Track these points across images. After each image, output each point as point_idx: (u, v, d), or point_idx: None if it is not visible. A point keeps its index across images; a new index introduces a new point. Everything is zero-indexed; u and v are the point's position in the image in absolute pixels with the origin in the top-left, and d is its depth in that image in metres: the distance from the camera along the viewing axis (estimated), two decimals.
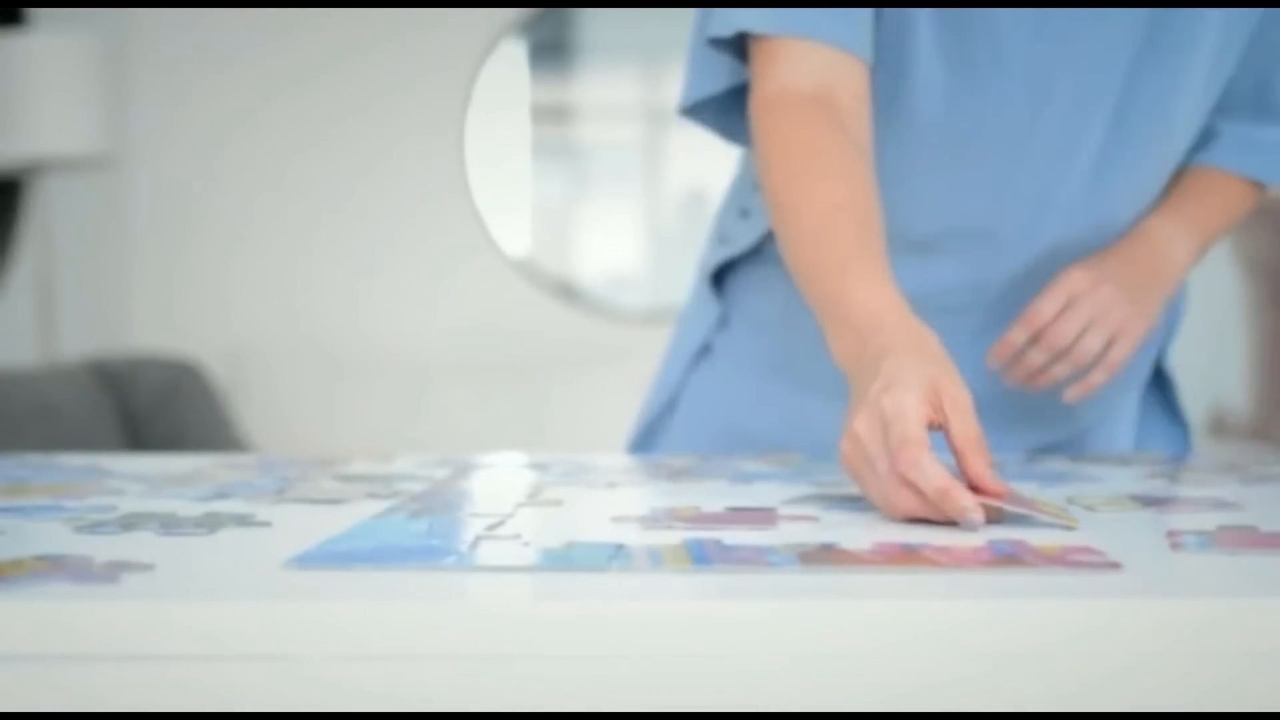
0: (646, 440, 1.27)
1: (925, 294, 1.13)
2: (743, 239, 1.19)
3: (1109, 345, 1.07)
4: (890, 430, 0.77)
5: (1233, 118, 1.16)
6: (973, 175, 1.08)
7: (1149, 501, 0.84)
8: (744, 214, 1.20)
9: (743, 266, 1.22)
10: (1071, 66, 1.05)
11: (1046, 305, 1.06)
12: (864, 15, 1.03)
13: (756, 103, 1.03)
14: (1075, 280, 1.06)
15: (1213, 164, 1.16)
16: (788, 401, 1.19)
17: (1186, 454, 1.24)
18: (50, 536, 0.72)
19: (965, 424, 0.78)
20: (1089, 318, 1.06)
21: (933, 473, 0.74)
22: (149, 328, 3.65)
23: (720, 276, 1.24)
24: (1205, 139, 1.16)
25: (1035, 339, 1.07)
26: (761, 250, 1.19)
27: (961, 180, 1.09)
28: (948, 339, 1.14)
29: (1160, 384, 1.28)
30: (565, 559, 0.64)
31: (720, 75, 1.08)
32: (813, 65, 1.01)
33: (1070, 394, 1.08)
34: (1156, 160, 1.10)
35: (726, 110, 1.12)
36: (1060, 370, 1.08)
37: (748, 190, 1.20)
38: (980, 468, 0.76)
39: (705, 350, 1.24)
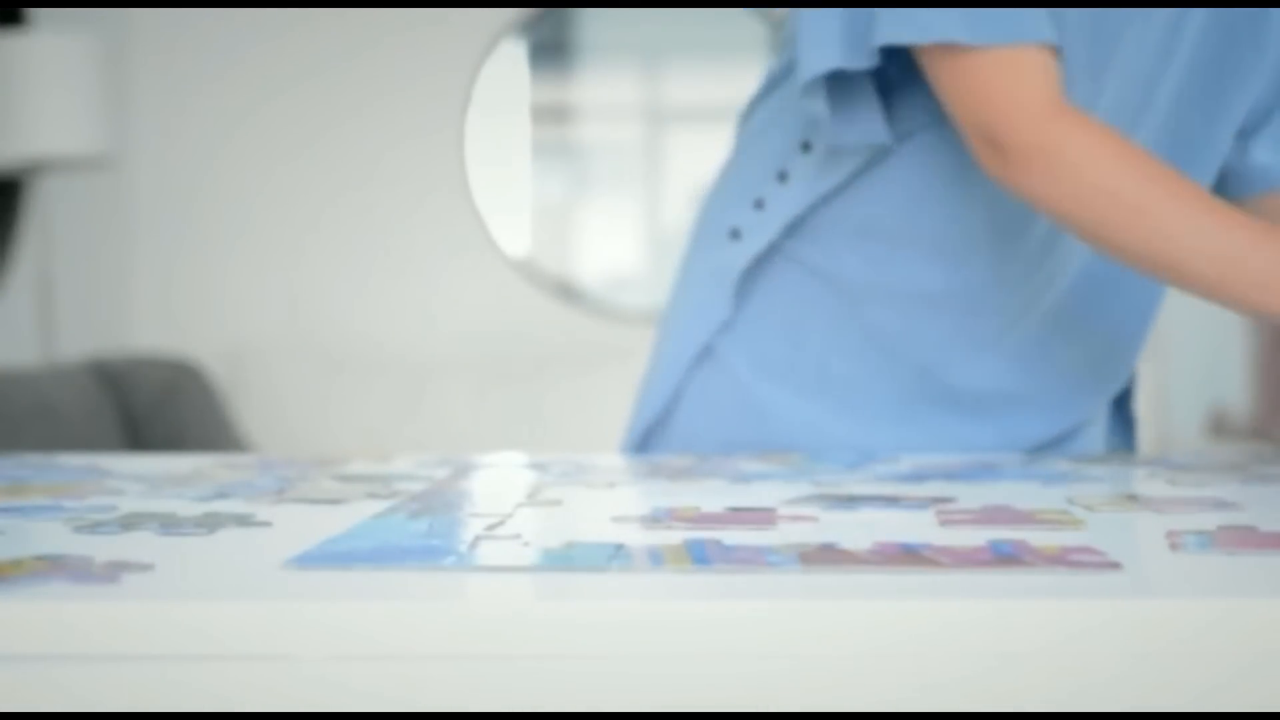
0: (642, 448, 1.22)
1: (952, 293, 1.13)
2: (759, 232, 1.16)
3: None
4: None
5: None
6: None
7: (1149, 501, 0.84)
8: (758, 205, 1.16)
9: (754, 265, 1.17)
10: (1121, 70, 1.06)
11: None
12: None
13: (1033, 116, 0.98)
14: None
15: None
16: (797, 405, 1.16)
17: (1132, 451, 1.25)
18: (50, 536, 0.72)
19: None
20: None
21: None
22: (149, 328, 3.65)
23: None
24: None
25: None
26: (781, 248, 1.16)
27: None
28: (973, 334, 1.15)
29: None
30: (565, 559, 0.64)
31: (870, 55, 1.04)
32: (1049, 67, 0.98)
33: None
34: None
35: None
36: None
37: (763, 180, 1.17)
38: None
39: (707, 353, 1.19)
